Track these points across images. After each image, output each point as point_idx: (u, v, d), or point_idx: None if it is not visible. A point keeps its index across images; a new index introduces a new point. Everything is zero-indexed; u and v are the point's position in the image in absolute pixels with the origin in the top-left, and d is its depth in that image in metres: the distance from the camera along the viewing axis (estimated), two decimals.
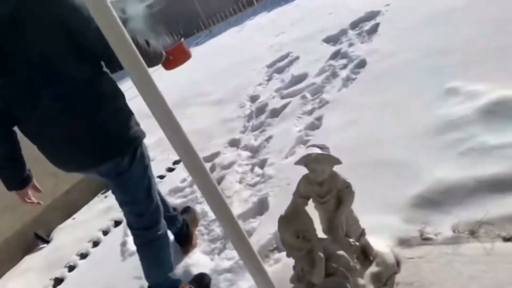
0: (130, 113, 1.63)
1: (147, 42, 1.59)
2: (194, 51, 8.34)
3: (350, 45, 3.95)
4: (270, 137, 3.05)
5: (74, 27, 1.37)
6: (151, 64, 1.65)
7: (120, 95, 1.60)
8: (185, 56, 1.89)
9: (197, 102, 4.83)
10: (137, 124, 1.65)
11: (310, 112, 3.11)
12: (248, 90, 4.30)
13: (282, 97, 3.65)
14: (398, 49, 3.24)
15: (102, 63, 1.55)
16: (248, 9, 10.21)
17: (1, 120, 1.52)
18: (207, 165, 3.08)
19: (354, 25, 4.45)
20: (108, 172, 1.61)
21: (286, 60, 4.57)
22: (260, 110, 3.66)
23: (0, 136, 1.55)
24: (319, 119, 2.92)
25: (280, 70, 4.44)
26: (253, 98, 4.03)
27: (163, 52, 1.72)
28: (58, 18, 1.35)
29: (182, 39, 2.00)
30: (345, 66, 3.55)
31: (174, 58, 1.83)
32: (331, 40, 4.43)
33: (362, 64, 3.40)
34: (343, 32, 4.42)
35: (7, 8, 1.33)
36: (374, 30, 4.00)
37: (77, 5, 1.36)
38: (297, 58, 4.43)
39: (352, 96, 2.98)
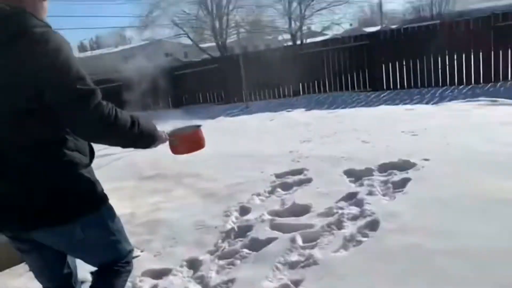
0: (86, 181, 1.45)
1: (133, 121, 1.40)
2: (220, 122, 8.16)
3: (370, 192, 3.39)
4: (231, 281, 2.43)
5: (41, 78, 1.22)
6: (130, 144, 1.49)
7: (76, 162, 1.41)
8: (195, 145, 1.79)
9: (186, 183, 4.34)
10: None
11: (291, 266, 2.50)
12: (244, 196, 3.75)
13: (272, 227, 3.06)
14: (420, 227, 2.65)
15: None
16: (291, 99, 10.04)
17: None
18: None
19: (384, 168, 3.93)
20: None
21: (297, 177, 4.05)
22: (242, 232, 3.08)
23: None
24: (296, 283, 2.30)
25: (286, 187, 3.90)
26: (243, 211, 3.46)
27: (155, 135, 1.53)
28: (27, 65, 1.21)
29: (201, 126, 1.88)
30: (354, 219, 2.97)
31: (180, 144, 1.74)
32: (353, 175, 3.90)
33: (373, 226, 2.80)
34: (369, 171, 3.89)
35: None
36: (401, 185, 3.45)
37: (54, 63, 1.22)
38: (309, 181, 3.90)
39: (345, 268, 2.37)
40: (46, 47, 1.23)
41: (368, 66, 10.14)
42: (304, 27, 20.96)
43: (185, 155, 1.83)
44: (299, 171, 4.21)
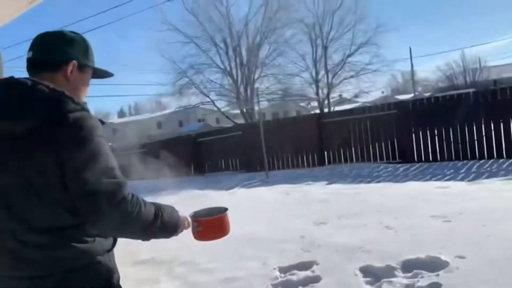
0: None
1: (156, 214, 1.32)
2: (234, 194, 7.68)
3: None
4: None
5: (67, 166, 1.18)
6: (150, 237, 1.36)
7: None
8: (220, 232, 1.64)
9: (178, 273, 3.76)
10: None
11: None
12: None
13: None
14: None
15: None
16: (314, 169, 9.49)
17: None
18: None
19: (408, 267, 3.23)
20: None
21: (303, 273, 3.40)
22: None
23: None
24: None
25: (288, 286, 3.25)
26: None
27: (178, 226, 1.44)
28: (57, 150, 1.18)
29: (227, 211, 1.68)
30: None
31: (204, 230, 1.60)
32: (371, 274, 3.23)
33: None
34: (390, 271, 3.21)
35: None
36: None
37: (83, 150, 1.20)
38: (317, 280, 3.24)
39: None
40: (78, 134, 1.21)
41: (397, 136, 9.57)
42: (335, 95, 20.90)
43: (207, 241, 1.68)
44: (307, 265, 3.57)
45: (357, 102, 24.58)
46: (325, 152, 10.84)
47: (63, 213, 1.23)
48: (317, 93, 18.89)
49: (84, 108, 1.27)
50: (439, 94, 11.21)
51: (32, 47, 1.35)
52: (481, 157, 8.33)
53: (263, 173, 10.51)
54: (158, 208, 1.35)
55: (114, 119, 51.33)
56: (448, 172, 7.33)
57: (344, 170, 9.03)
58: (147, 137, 34.59)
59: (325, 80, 18.75)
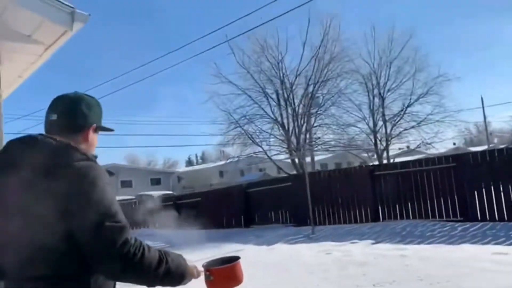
0: None
1: (161, 260, 1.32)
2: (272, 250, 7.25)
3: None
4: None
5: (71, 211, 1.22)
6: (155, 283, 1.35)
7: None
8: (232, 282, 1.63)
9: None
10: None
11: None
12: None
13: None
14: None
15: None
16: (366, 225, 8.85)
17: None
18: None
19: None
20: None
21: None
22: None
23: None
24: None
25: None
26: None
27: (184, 274, 1.44)
28: (61, 197, 1.22)
29: (239, 259, 1.70)
30: None
31: (216, 279, 1.59)
32: None
33: None
34: None
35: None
36: None
37: (88, 197, 1.23)
38: None
39: None
40: (83, 181, 1.25)
41: (457, 192, 8.72)
42: (398, 145, 19.98)
43: None
44: None
45: (423, 153, 23.27)
46: (379, 207, 10.13)
47: (65, 262, 1.25)
48: (375, 144, 18.13)
49: (90, 159, 1.33)
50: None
51: (55, 110, 1.44)
52: None
53: (307, 228, 10.02)
54: (164, 254, 1.37)
55: (181, 168, 53.04)
56: None
57: (397, 227, 8.30)
58: (207, 186, 35.12)
59: (383, 130, 18.02)
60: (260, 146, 16.67)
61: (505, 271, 4.32)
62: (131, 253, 1.25)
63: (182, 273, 1.43)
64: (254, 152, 17.13)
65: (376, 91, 17.82)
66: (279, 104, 16.32)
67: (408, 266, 4.95)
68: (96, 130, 1.53)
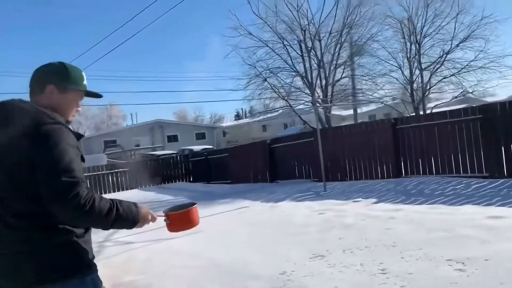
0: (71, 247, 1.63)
1: (111, 208, 1.59)
2: (274, 208, 7.11)
3: None
4: None
5: (37, 167, 1.51)
6: (107, 227, 1.63)
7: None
8: (186, 225, 1.90)
9: None
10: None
11: None
12: None
13: None
14: None
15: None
16: (388, 180, 8.44)
17: None
18: None
19: None
20: None
21: None
22: None
23: None
24: None
25: None
26: None
27: (135, 218, 1.70)
28: (29, 154, 1.52)
29: (195, 205, 1.97)
30: None
31: (172, 222, 1.87)
32: None
33: None
34: None
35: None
36: None
37: (48, 155, 1.51)
38: None
39: None
40: (47, 141, 1.52)
41: (483, 146, 8.02)
42: (442, 95, 18.58)
43: (180, 232, 1.99)
44: None
45: (481, 101, 21.49)
46: (402, 162, 9.61)
47: (34, 203, 1.53)
48: (411, 95, 16.95)
49: (59, 122, 1.60)
50: None
51: (31, 78, 1.77)
52: None
53: (333, 183, 9.76)
54: (115, 203, 1.62)
55: (226, 123, 53.54)
56: None
57: (410, 184, 7.84)
58: (250, 140, 35.22)
59: (420, 80, 16.72)
60: (286, 100, 16.17)
61: (486, 238, 3.90)
62: (81, 204, 1.49)
63: (133, 219, 1.69)
64: (281, 107, 16.69)
65: (412, 37, 16.38)
66: (302, 55, 15.51)
67: (389, 230, 4.63)
68: (62, 91, 1.73)
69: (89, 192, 1.52)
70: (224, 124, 50.56)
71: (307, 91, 15.60)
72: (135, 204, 1.72)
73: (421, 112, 16.57)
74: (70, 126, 1.71)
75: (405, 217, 5.12)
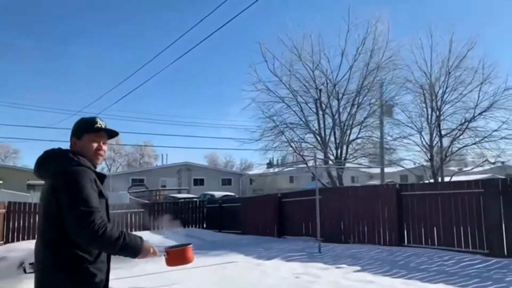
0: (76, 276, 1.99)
1: (119, 237, 1.95)
2: (259, 266, 7.03)
3: None
4: None
5: (61, 199, 1.95)
6: (114, 253, 1.99)
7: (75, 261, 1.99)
8: (182, 261, 2.24)
9: None
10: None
11: None
12: None
13: None
14: None
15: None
16: (390, 248, 8.26)
17: None
18: None
19: None
20: None
21: None
22: None
23: None
24: None
25: None
26: None
27: (138, 250, 2.03)
28: (56, 190, 1.97)
29: (191, 245, 2.32)
30: None
31: (169, 257, 2.20)
32: None
33: None
34: None
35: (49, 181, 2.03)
36: None
37: (71, 190, 1.94)
38: None
39: None
40: (70, 180, 1.95)
41: (485, 220, 7.77)
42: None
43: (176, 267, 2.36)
44: None
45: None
46: (405, 230, 9.38)
47: (58, 233, 1.93)
48: (431, 160, 16.62)
49: (82, 164, 2.07)
50: None
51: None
52: None
53: (333, 245, 9.61)
54: (123, 233, 1.98)
55: (254, 171, 53.72)
56: None
57: (403, 255, 7.64)
58: (276, 190, 35.06)
59: (439, 145, 16.39)
60: (301, 155, 16.27)
61: None
62: (95, 229, 1.87)
63: (137, 249, 2.03)
64: (293, 162, 16.74)
65: (433, 103, 16.29)
66: (317, 113, 15.73)
67: None
68: (79, 139, 2.20)
69: (103, 221, 1.92)
70: (251, 172, 50.72)
71: (320, 146, 15.70)
72: (140, 237, 2.07)
73: (440, 179, 16.17)
74: (92, 167, 2.16)
75: None
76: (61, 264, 1.95)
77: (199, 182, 38.44)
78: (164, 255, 2.19)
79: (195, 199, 20.92)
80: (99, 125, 2.22)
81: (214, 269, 7.04)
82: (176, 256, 2.22)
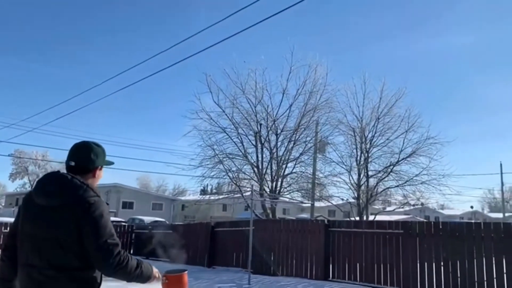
0: None
1: (138, 265, 2.10)
2: None
3: None
4: None
5: (85, 231, 1.98)
6: (131, 280, 2.10)
7: None
8: (180, 285, 2.37)
9: None
10: None
11: None
12: None
13: None
14: None
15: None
16: (316, 282, 8.55)
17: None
18: None
19: None
20: None
21: None
22: None
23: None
24: None
25: None
26: None
27: (151, 276, 2.19)
28: (78, 221, 1.98)
29: (186, 271, 2.46)
30: None
31: (169, 282, 2.33)
32: None
33: None
34: None
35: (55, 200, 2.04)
36: None
37: (97, 222, 1.99)
38: None
39: None
40: (95, 212, 1.99)
41: (403, 261, 8.39)
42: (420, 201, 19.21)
43: None
44: None
45: (439, 213, 22.21)
46: (330, 265, 9.81)
47: (74, 259, 1.97)
48: (358, 197, 17.69)
49: (98, 195, 2.09)
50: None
51: (73, 158, 2.19)
52: None
53: (262, 276, 9.77)
54: (140, 262, 2.12)
55: (188, 197, 52.91)
56: None
57: None
58: (208, 218, 34.78)
59: (366, 185, 17.55)
60: (238, 186, 16.56)
61: None
62: (121, 260, 1.98)
63: (149, 275, 2.17)
64: (229, 191, 16.98)
65: (362, 145, 17.51)
66: (255, 146, 16.26)
67: None
68: (101, 169, 2.26)
69: (125, 252, 2.03)
70: (184, 198, 49.92)
71: (256, 178, 16.11)
72: (150, 264, 2.20)
73: (365, 216, 17.17)
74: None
75: None
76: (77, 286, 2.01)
77: (128, 205, 37.17)
78: (164, 280, 2.30)
79: (123, 223, 20.23)
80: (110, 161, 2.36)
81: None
82: (175, 281, 2.34)
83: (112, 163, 2.36)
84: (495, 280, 6.99)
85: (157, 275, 2.24)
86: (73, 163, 2.16)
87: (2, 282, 2.18)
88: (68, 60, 78.09)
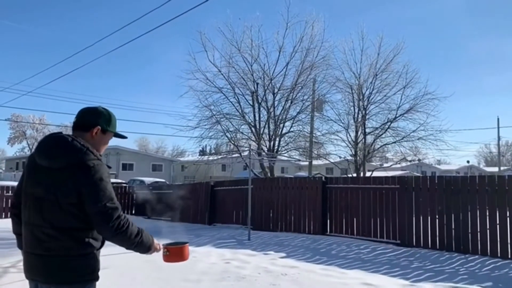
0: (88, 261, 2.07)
1: (138, 233, 2.11)
2: (193, 253, 7.23)
3: None
4: None
5: (85, 194, 1.98)
6: (131, 248, 2.12)
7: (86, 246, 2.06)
8: (180, 258, 2.41)
9: None
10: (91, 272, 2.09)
11: None
12: None
13: None
14: None
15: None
16: (314, 236, 8.76)
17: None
18: None
19: None
20: None
21: None
22: None
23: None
24: None
25: None
26: None
27: (151, 245, 2.19)
28: (78, 183, 1.98)
29: (187, 243, 2.48)
30: None
31: (170, 254, 2.37)
32: None
33: None
34: None
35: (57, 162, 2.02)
36: None
37: (96, 186, 1.99)
38: None
39: None
40: (95, 174, 1.98)
41: (399, 215, 8.56)
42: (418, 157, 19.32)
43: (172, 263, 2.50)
44: None
45: (435, 168, 22.44)
46: (328, 220, 10.03)
47: (73, 220, 1.99)
48: (355, 155, 17.82)
49: (99, 158, 2.07)
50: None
51: (76, 116, 2.21)
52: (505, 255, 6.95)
53: (261, 232, 10.00)
54: (140, 230, 2.12)
55: (186, 157, 53.27)
56: (448, 268, 6.23)
57: (325, 243, 8.23)
58: (207, 178, 35.04)
59: (363, 142, 17.64)
60: (236, 146, 16.61)
61: None
62: (120, 225, 1.99)
63: (149, 245, 2.17)
64: (229, 151, 17.05)
65: (360, 102, 17.43)
66: (253, 106, 16.15)
67: (274, 286, 4.91)
68: (104, 132, 2.21)
69: (126, 216, 2.04)
70: (183, 159, 50.19)
71: (254, 138, 16.14)
72: (151, 235, 2.20)
73: (362, 173, 17.38)
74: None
75: (295, 275, 5.42)
76: (78, 249, 2.01)
77: (128, 167, 37.46)
78: (165, 252, 2.32)
79: (123, 184, 20.48)
80: (121, 133, 2.37)
81: (144, 256, 7.09)
82: (176, 253, 2.37)
83: (124, 137, 2.38)
84: (488, 231, 7.15)
85: (158, 247, 2.24)
86: (74, 119, 2.21)
87: (18, 237, 2.23)
88: (58, 20, 75.95)
